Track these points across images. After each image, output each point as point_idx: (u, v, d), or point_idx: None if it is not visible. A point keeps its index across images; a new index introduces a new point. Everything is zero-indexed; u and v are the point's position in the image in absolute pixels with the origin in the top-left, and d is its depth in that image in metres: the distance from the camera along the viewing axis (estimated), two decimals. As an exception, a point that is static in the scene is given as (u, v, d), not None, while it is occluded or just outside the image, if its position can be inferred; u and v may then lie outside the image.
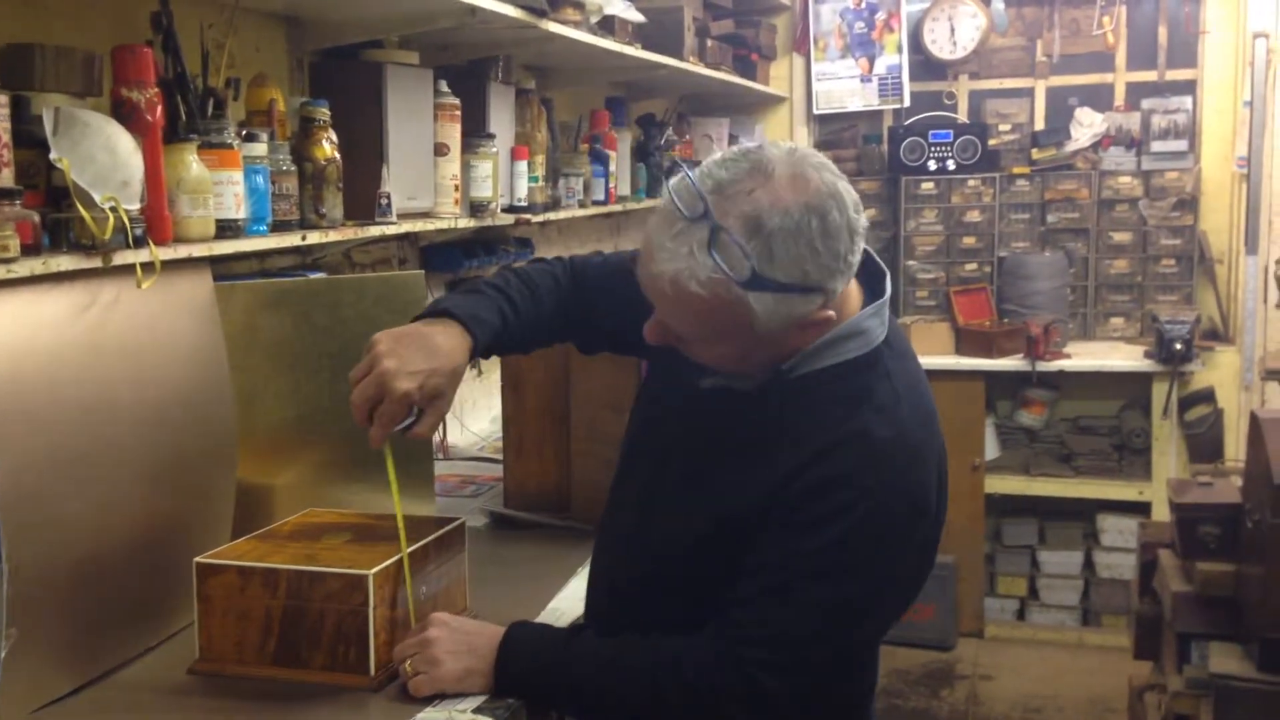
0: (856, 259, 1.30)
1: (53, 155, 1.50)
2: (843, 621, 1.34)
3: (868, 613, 1.37)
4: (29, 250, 1.46)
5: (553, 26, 2.59)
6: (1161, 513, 4.03)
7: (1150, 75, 4.66)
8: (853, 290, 1.39)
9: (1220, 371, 4.33)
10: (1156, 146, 4.53)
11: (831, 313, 1.31)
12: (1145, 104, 4.56)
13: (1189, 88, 4.59)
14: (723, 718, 1.36)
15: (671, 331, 1.36)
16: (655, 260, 1.27)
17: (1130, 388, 4.40)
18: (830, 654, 1.36)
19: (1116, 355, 4.36)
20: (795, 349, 1.35)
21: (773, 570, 1.33)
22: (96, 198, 1.52)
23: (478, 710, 1.50)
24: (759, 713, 1.35)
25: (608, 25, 3.02)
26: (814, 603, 1.32)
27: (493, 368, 3.24)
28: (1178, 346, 4.07)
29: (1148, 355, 4.22)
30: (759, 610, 1.33)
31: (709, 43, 3.92)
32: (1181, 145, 4.51)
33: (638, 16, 3.17)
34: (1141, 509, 4.23)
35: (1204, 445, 4.23)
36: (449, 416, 2.99)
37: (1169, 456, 4.21)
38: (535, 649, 1.48)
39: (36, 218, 1.48)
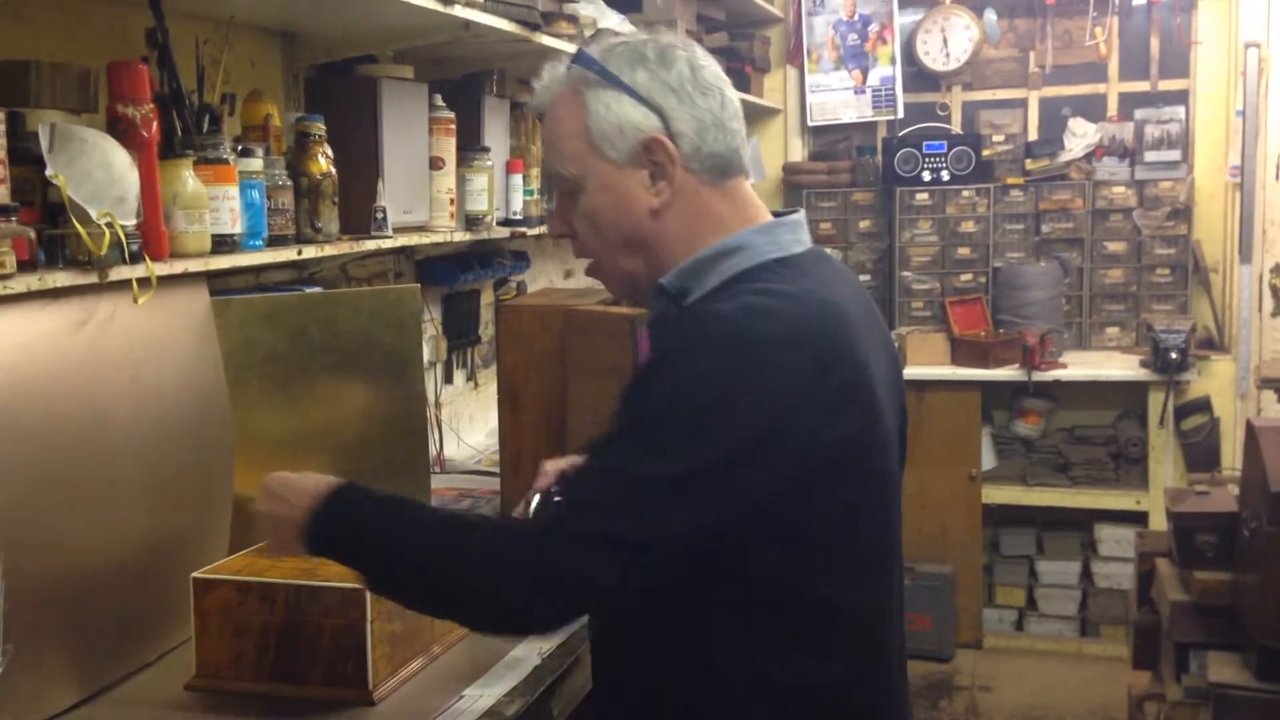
0: (705, 101, 1.30)
1: (48, 171, 1.51)
2: (642, 495, 1.19)
3: (671, 493, 1.18)
4: (25, 266, 1.46)
5: (546, 40, 2.60)
6: (1159, 522, 4.03)
7: (1143, 85, 4.67)
8: (748, 209, 1.35)
9: (1216, 380, 4.33)
10: (1150, 156, 4.54)
11: (671, 146, 1.28)
12: (1138, 114, 4.57)
13: (1181, 98, 4.60)
14: (509, 591, 1.23)
15: (562, 211, 1.37)
16: (536, 98, 1.37)
17: (1126, 397, 4.41)
18: (629, 532, 1.18)
19: (1112, 365, 4.36)
20: (649, 215, 1.30)
21: (595, 448, 1.26)
22: (92, 214, 1.52)
23: (476, 725, 1.50)
24: (547, 583, 1.21)
25: (600, 39, 3.02)
26: (615, 470, 1.21)
27: (489, 380, 3.24)
28: (1173, 356, 4.08)
29: (1143, 364, 4.22)
30: (569, 483, 1.28)
31: (703, 55, 3.93)
32: (1175, 155, 4.52)
33: (631, 30, 3.18)
34: (1139, 518, 4.23)
35: (1200, 454, 4.23)
36: (447, 430, 3.00)
37: (1165, 466, 4.22)
38: (353, 507, 1.35)
39: (32, 234, 1.48)
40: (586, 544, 1.18)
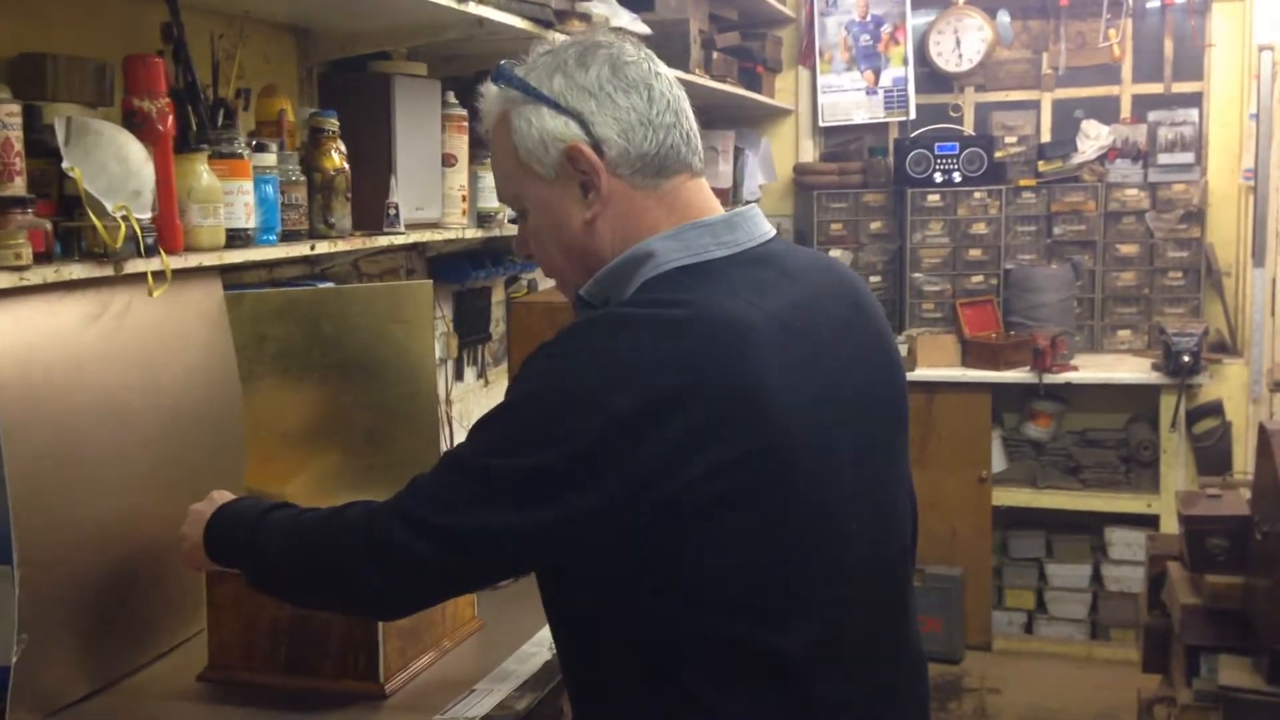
0: (628, 100, 1.25)
1: (65, 164, 1.52)
2: (464, 487, 1.18)
3: (487, 489, 1.17)
4: (41, 258, 1.47)
5: (559, 38, 2.60)
6: (1170, 525, 4.01)
7: (1156, 88, 4.66)
8: (689, 209, 1.27)
9: (1228, 384, 4.32)
10: (1163, 159, 4.53)
11: (591, 153, 1.23)
12: (1151, 116, 4.56)
13: (1195, 100, 4.59)
14: (350, 560, 1.24)
15: (521, 233, 1.34)
16: (482, 124, 1.35)
17: (1138, 400, 4.39)
18: (444, 519, 1.18)
19: (1124, 368, 4.35)
20: (584, 227, 1.26)
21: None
22: (108, 206, 1.53)
23: (486, 718, 1.50)
24: (379, 561, 1.21)
25: (614, 37, 3.02)
26: (454, 457, 1.21)
27: (500, 377, 3.25)
28: (1185, 359, 4.06)
29: (1155, 368, 4.21)
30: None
31: (715, 55, 3.94)
32: (1188, 158, 4.51)
33: (644, 29, 3.17)
34: (1149, 522, 4.21)
35: (1212, 458, 4.22)
36: (458, 427, 3.00)
37: (1177, 469, 4.20)
38: (237, 514, 1.42)
39: (49, 226, 1.49)
40: (413, 526, 1.19)
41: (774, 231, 1.32)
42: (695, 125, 1.30)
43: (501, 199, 1.38)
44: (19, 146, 1.46)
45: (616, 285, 1.25)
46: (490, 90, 1.31)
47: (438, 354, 2.84)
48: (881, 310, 1.37)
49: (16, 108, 1.46)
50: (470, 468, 1.19)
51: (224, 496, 1.47)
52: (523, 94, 1.26)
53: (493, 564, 1.23)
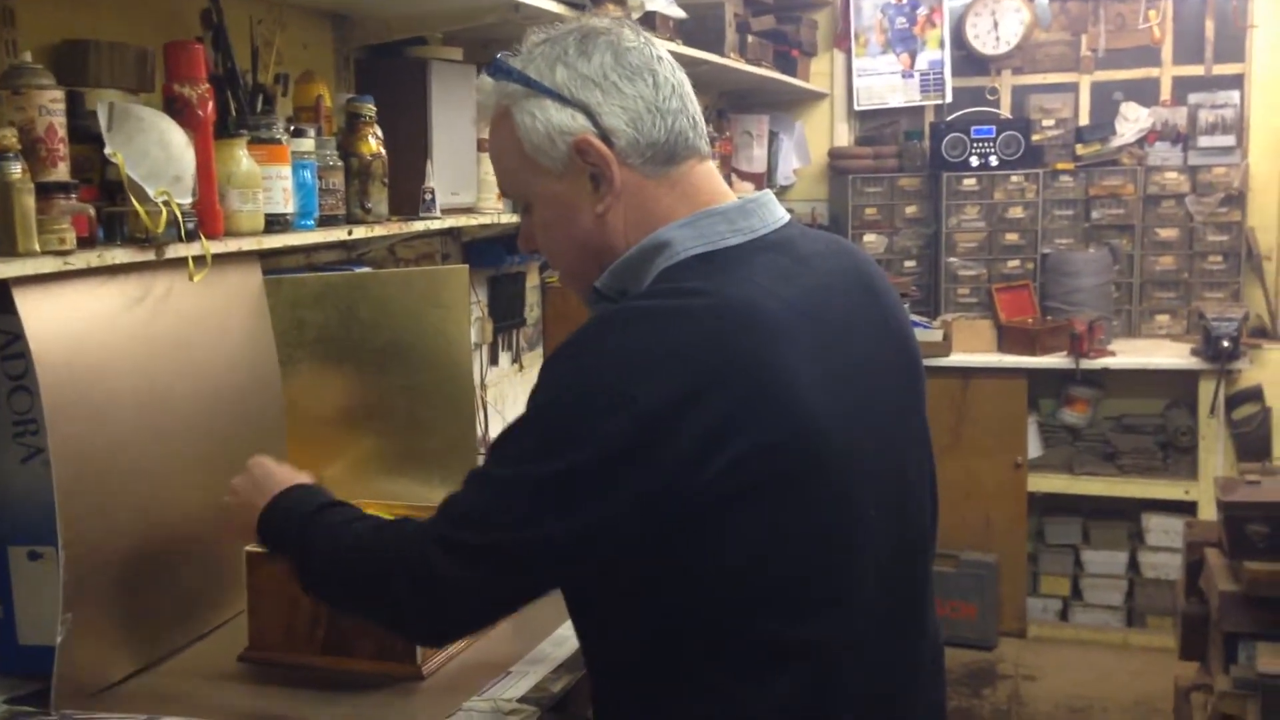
0: (634, 88, 1.22)
1: (107, 150, 1.53)
2: (495, 501, 1.17)
3: (519, 501, 1.15)
4: (85, 243, 1.49)
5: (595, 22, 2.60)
6: (1208, 512, 3.98)
7: (1197, 70, 4.59)
8: (700, 195, 1.26)
9: (1268, 370, 4.26)
10: (1203, 142, 4.47)
11: (601, 145, 1.21)
12: (1192, 99, 4.50)
13: (1236, 82, 4.53)
14: (392, 586, 1.22)
15: (526, 227, 1.32)
16: (479, 119, 1.32)
17: (1176, 386, 4.35)
18: (488, 546, 1.16)
19: (1162, 353, 4.31)
20: (596, 220, 1.24)
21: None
22: (150, 192, 1.54)
23: (522, 700, 1.52)
24: (423, 590, 1.20)
25: (649, 21, 3.02)
26: (482, 474, 1.20)
27: (534, 362, 3.26)
28: (1225, 344, 4.02)
29: (1194, 353, 4.17)
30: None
31: (750, 39, 3.92)
32: (1229, 140, 4.45)
33: (679, 13, 3.17)
34: (1187, 508, 4.18)
35: (1251, 444, 4.17)
36: (492, 412, 3.02)
37: (1216, 455, 4.16)
38: (290, 507, 1.39)
39: (92, 211, 1.51)
40: (450, 550, 1.17)
41: (788, 217, 1.30)
42: (699, 107, 1.28)
43: (504, 194, 1.37)
44: (62, 132, 1.47)
45: (633, 276, 1.23)
46: (487, 84, 1.27)
47: (473, 339, 2.86)
48: (896, 295, 1.35)
49: (60, 94, 1.48)
50: (499, 482, 1.17)
51: (264, 468, 1.43)
52: (524, 87, 1.23)
53: (532, 577, 1.20)
